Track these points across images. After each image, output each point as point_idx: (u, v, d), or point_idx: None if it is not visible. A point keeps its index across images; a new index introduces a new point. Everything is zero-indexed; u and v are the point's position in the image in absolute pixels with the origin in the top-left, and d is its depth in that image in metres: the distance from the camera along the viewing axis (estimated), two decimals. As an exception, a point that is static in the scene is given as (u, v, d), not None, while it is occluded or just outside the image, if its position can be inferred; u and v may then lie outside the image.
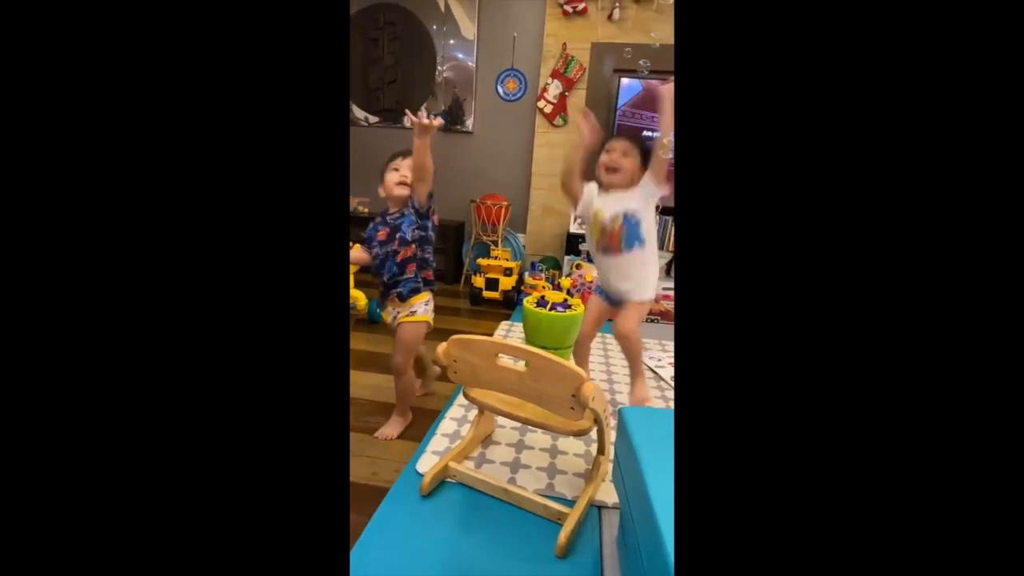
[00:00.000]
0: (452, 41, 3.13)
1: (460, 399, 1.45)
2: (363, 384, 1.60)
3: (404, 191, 1.33)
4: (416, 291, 1.39)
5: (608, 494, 1.04)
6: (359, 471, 1.14)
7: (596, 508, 1.02)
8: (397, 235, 1.34)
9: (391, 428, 1.42)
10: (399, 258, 1.35)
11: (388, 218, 1.37)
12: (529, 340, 1.59)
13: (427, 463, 1.12)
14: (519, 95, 3.11)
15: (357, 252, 1.40)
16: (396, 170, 1.35)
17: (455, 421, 1.34)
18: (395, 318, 1.40)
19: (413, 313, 1.40)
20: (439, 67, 3.16)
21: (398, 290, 1.38)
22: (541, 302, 1.55)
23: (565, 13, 2.80)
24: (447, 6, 3.07)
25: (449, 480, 1.08)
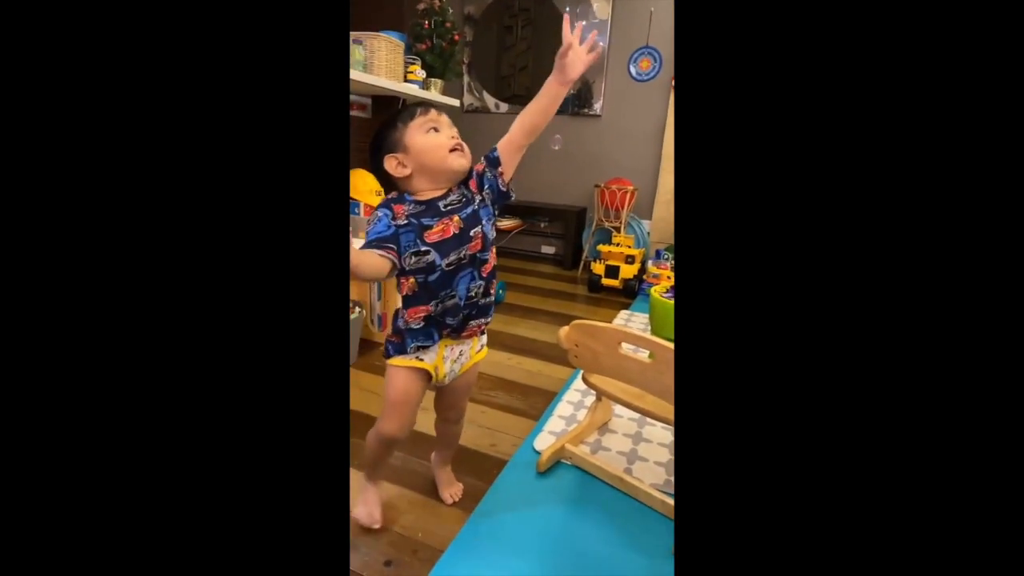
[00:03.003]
0: (584, 23, 3.06)
1: (577, 383, 1.46)
2: (488, 361, 1.70)
3: (464, 163, 0.81)
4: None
5: (733, 501, 0.97)
6: (479, 440, 1.22)
7: (719, 513, 0.96)
8: (475, 231, 0.80)
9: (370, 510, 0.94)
10: (486, 269, 0.82)
11: (442, 204, 0.80)
12: (655, 331, 1.53)
13: (544, 442, 1.16)
14: (653, 74, 2.95)
15: (365, 258, 0.75)
16: (436, 129, 0.80)
17: (571, 405, 1.36)
18: (459, 361, 0.88)
19: (483, 347, 0.92)
20: (570, 50, 3.13)
21: (485, 320, 0.86)
22: (670, 292, 1.48)
23: (710, -20, 2.57)
24: (581, -14, 3.02)
25: (564, 461, 1.10)
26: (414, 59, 1.88)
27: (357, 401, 1.36)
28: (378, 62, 1.63)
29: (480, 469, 1.09)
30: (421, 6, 1.97)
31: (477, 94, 3.46)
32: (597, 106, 3.15)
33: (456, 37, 2.05)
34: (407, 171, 0.79)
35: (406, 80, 1.83)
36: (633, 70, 3.01)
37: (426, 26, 1.96)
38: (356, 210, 1.55)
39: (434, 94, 1.99)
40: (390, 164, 0.79)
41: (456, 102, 2.19)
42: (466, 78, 3.44)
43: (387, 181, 0.82)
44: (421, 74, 1.89)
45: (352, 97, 1.90)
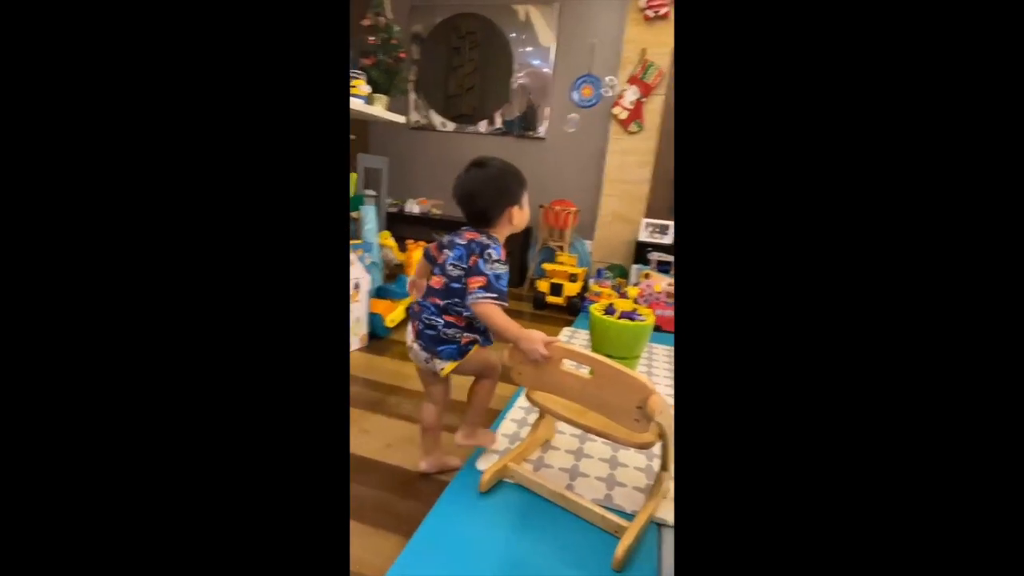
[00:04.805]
0: (529, 48, 3.17)
1: (521, 400, 1.45)
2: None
3: None
4: None
5: (669, 512, 1.00)
6: (420, 462, 1.18)
7: (656, 525, 0.98)
8: None
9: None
10: None
11: None
12: (595, 348, 1.57)
13: (486, 461, 1.14)
14: (594, 101, 3.09)
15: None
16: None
17: (515, 423, 1.36)
18: None
19: None
20: (516, 74, 3.22)
21: None
22: (609, 310, 1.53)
23: (647, 18, 2.74)
24: (527, 15, 3.12)
25: (507, 480, 1.09)
26: (359, 74, 1.86)
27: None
28: (320, 74, 1.59)
29: (420, 492, 1.06)
30: (365, 22, 1.95)
31: (424, 112, 3.46)
32: (541, 129, 3.24)
33: (402, 55, 2.05)
34: (513, 222, 1.01)
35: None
36: (576, 96, 3.13)
37: (371, 41, 1.95)
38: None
39: (379, 109, 1.97)
40: (514, 211, 1.00)
41: (402, 119, 2.18)
42: (413, 96, 3.43)
43: (486, 216, 0.98)
44: (366, 89, 1.87)
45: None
